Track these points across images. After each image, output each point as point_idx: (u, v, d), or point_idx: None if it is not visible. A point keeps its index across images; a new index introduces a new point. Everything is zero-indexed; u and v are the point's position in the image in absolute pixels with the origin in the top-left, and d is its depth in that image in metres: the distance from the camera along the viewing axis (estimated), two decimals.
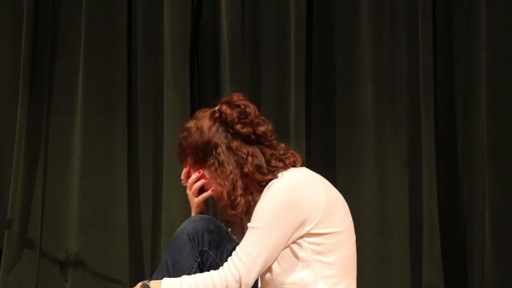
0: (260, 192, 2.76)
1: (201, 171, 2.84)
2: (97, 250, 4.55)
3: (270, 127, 2.85)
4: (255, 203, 2.79)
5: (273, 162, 2.79)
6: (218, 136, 2.81)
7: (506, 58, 4.06)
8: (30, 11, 4.57)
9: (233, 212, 2.79)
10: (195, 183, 2.87)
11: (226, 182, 2.78)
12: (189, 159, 2.86)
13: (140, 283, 2.72)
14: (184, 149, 2.86)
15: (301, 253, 2.72)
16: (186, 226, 2.84)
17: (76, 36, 4.62)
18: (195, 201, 2.90)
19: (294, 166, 2.81)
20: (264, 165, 2.78)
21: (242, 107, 2.82)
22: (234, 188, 2.77)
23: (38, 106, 4.61)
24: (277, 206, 2.68)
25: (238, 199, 2.77)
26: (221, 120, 2.82)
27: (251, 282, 2.67)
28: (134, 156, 4.58)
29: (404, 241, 4.22)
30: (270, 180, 2.76)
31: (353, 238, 2.81)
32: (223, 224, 2.91)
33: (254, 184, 2.78)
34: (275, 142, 2.85)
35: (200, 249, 2.81)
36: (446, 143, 4.21)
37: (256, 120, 2.82)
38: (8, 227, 4.52)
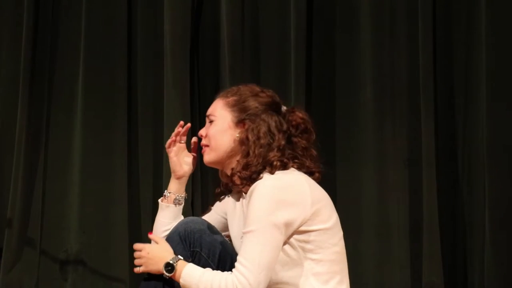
0: (247, 184, 2.77)
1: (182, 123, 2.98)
2: (97, 250, 4.55)
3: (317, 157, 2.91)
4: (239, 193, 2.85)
5: (290, 162, 2.82)
6: (270, 117, 2.85)
7: (506, 58, 4.06)
8: (30, 11, 4.57)
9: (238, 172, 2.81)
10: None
11: (256, 146, 2.81)
12: (230, 98, 2.90)
13: (171, 257, 2.77)
14: (236, 91, 2.92)
15: (291, 252, 2.74)
16: (177, 228, 2.88)
17: (76, 36, 4.62)
18: (177, 160, 3.00)
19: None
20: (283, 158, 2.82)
21: (310, 129, 2.90)
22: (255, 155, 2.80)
23: (38, 106, 4.61)
24: (266, 205, 2.69)
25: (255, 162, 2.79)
26: (284, 118, 2.88)
27: (263, 286, 2.67)
28: (134, 156, 4.58)
29: (404, 241, 4.22)
30: (261, 172, 2.78)
31: (340, 233, 2.83)
32: (215, 226, 2.92)
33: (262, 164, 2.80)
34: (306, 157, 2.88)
35: (191, 249, 2.83)
36: (446, 143, 4.21)
37: (309, 147, 2.89)
38: (8, 226, 4.52)
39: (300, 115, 2.90)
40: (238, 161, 2.82)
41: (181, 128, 3.04)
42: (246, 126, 2.84)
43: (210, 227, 2.88)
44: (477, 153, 4.14)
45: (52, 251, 4.58)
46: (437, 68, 4.21)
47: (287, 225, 2.70)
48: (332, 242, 2.77)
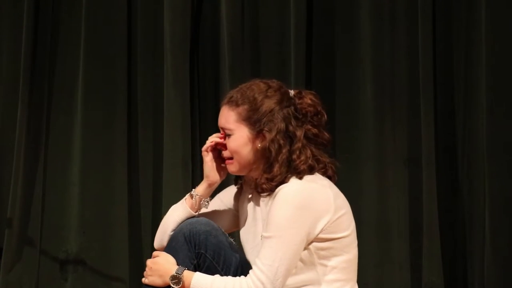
0: (272, 191, 2.74)
1: (223, 135, 2.80)
2: (97, 250, 4.55)
3: (330, 139, 2.85)
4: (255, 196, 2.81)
5: (313, 162, 2.76)
6: (286, 114, 2.77)
7: (506, 58, 4.06)
8: (30, 11, 4.57)
9: (266, 179, 2.73)
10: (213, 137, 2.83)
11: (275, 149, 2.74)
12: (241, 108, 2.78)
13: (175, 269, 2.74)
14: (243, 96, 2.79)
15: (306, 258, 2.72)
16: (182, 228, 2.83)
17: (76, 36, 4.62)
18: (212, 165, 2.85)
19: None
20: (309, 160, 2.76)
21: (321, 111, 2.83)
22: (279, 161, 2.73)
23: (38, 106, 4.61)
24: (290, 212, 2.66)
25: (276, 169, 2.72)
26: (295, 106, 2.80)
27: None
28: (134, 156, 4.58)
29: (404, 241, 4.22)
30: (286, 178, 2.73)
31: (356, 242, 2.81)
32: (220, 227, 2.88)
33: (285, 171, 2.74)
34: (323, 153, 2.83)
35: (196, 251, 2.79)
36: (446, 143, 4.21)
37: (322, 128, 2.83)
38: (8, 226, 4.52)
39: (310, 100, 2.83)
40: (262, 171, 2.76)
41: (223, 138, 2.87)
42: (266, 137, 2.76)
43: (215, 228, 2.84)
44: (477, 153, 4.14)
45: (52, 251, 4.58)
46: (437, 68, 4.21)
47: (309, 232, 2.68)
48: (347, 250, 2.75)
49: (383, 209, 4.25)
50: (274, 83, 2.85)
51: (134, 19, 4.61)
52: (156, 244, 2.94)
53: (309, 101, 2.83)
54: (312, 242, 2.70)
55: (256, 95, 2.80)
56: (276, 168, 2.73)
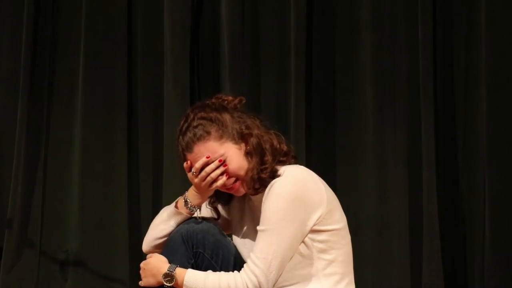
0: (262, 183, 2.74)
1: (221, 159, 2.74)
2: (97, 250, 4.55)
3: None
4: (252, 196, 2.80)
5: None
6: (239, 120, 2.81)
7: (506, 58, 4.06)
8: (30, 11, 4.57)
9: (259, 183, 2.75)
10: (214, 172, 2.74)
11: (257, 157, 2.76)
12: (212, 133, 2.75)
13: (167, 267, 2.73)
14: (200, 127, 2.76)
15: (305, 251, 2.73)
16: (180, 228, 2.83)
17: (76, 37, 4.63)
18: (211, 188, 2.78)
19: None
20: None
21: (240, 97, 2.88)
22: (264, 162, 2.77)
23: (38, 106, 4.61)
24: (284, 204, 2.67)
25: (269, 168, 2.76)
26: (230, 107, 2.83)
27: (271, 285, 2.67)
28: (134, 156, 4.58)
29: (404, 241, 4.22)
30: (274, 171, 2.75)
31: (349, 236, 2.82)
32: (218, 226, 2.88)
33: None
34: None
35: (194, 251, 2.80)
36: (446, 143, 4.21)
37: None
38: (8, 226, 4.53)
39: (230, 96, 2.86)
40: (254, 167, 2.76)
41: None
42: (250, 135, 2.78)
43: (213, 226, 2.85)
44: (477, 153, 4.14)
45: (52, 251, 4.58)
46: (437, 68, 4.21)
47: (303, 225, 2.69)
48: (343, 244, 2.77)
49: (383, 209, 4.25)
50: (199, 104, 2.85)
51: (134, 19, 4.62)
52: (145, 247, 2.96)
53: (230, 97, 2.86)
54: (307, 234, 2.71)
55: (210, 115, 2.79)
56: (267, 157, 2.75)
